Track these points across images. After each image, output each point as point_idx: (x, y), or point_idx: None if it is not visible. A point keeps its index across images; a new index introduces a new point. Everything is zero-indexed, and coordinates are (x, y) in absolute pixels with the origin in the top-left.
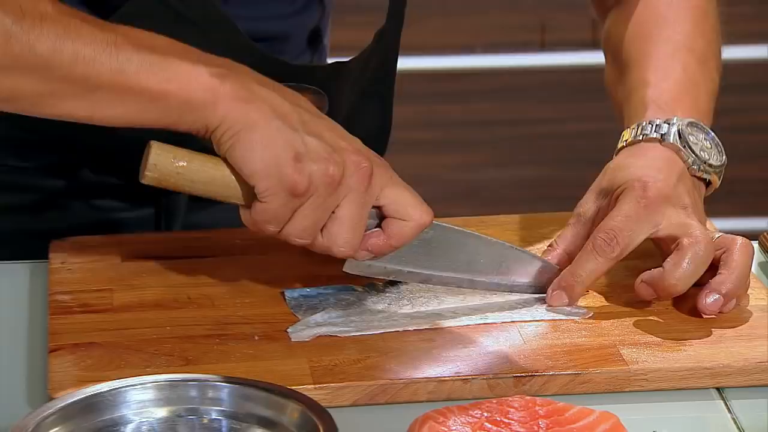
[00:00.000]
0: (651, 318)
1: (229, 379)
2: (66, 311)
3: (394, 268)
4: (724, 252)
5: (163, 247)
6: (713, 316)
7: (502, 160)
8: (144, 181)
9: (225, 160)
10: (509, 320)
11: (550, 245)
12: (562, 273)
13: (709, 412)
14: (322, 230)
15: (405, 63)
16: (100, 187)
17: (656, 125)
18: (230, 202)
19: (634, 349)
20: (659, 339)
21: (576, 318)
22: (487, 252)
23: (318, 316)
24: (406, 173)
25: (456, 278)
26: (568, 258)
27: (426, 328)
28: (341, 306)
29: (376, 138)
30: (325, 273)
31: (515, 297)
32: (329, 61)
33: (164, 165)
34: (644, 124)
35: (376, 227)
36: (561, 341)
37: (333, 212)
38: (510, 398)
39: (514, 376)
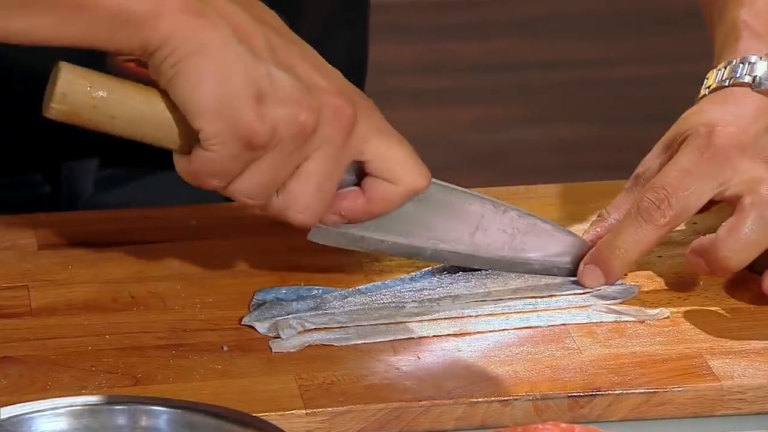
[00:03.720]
0: (747, 318)
1: (169, 402)
2: None
3: (373, 237)
4: None
5: (95, 230)
6: None
7: (532, 116)
8: (49, 115)
9: (161, 91)
10: (559, 323)
11: (599, 215)
12: (598, 243)
13: None
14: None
15: None
16: None
17: (750, 64)
18: (161, 145)
19: (726, 360)
20: (760, 346)
21: (647, 319)
22: (496, 220)
23: (304, 318)
24: (406, 133)
25: (454, 254)
26: None
27: (450, 334)
28: (333, 306)
29: (351, 73)
30: (309, 262)
31: (562, 293)
32: None
33: (77, 95)
34: (735, 62)
35: (354, 185)
36: (629, 350)
37: (297, 167)
38: (541, 425)
39: (569, 397)
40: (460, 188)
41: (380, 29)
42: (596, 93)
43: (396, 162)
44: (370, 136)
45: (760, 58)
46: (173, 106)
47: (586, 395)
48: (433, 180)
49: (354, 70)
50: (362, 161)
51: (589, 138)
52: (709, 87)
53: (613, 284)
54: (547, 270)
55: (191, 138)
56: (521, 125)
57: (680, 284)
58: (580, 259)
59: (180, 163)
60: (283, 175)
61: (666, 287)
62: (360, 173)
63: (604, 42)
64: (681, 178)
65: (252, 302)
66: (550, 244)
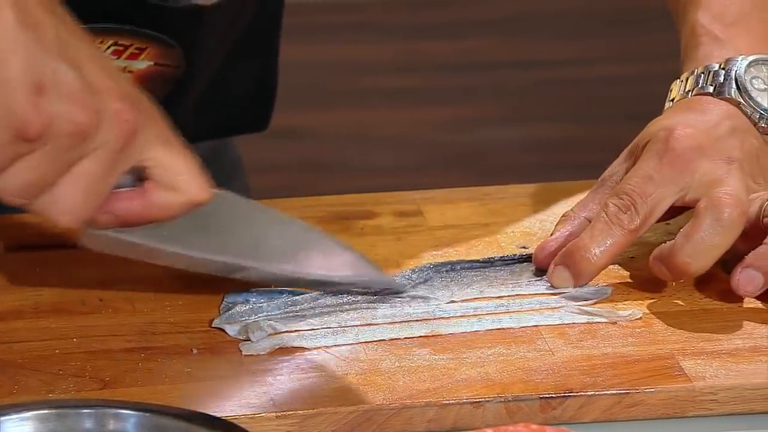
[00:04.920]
0: (719, 319)
1: (137, 406)
2: None
3: (149, 245)
4: None
5: (61, 232)
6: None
7: (508, 116)
8: None
9: None
10: (531, 324)
11: (565, 215)
12: (568, 245)
13: None
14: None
15: None
16: None
17: (712, 72)
18: None
19: (698, 361)
20: (732, 347)
21: (619, 320)
22: (279, 234)
23: (274, 321)
24: (380, 133)
25: (236, 265)
26: None
27: (422, 336)
28: (304, 308)
29: (256, 101)
30: None
31: (532, 291)
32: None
33: None
34: (696, 72)
35: (133, 186)
36: (601, 351)
37: (69, 167)
38: (512, 427)
39: (541, 398)
40: (245, 199)
41: (353, 29)
42: (572, 92)
43: (178, 172)
44: (154, 144)
45: (720, 66)
46: None
47: (558, 397)
48: (218, 191)
49: (258, 99)
50: (144, 167)
51: (565, 138)
52: (672, 99)
53: (582, 286)
54: (326, 285)
55: None
56: (496, 125)
57: (652, 285)
58: (361, 276)
59: None
60: (52, 174)
61: (638, 288)
62: (141, 176)
63: (579, 41)
64: (643, 183)
65: (222, 305)
66: (332, 260)
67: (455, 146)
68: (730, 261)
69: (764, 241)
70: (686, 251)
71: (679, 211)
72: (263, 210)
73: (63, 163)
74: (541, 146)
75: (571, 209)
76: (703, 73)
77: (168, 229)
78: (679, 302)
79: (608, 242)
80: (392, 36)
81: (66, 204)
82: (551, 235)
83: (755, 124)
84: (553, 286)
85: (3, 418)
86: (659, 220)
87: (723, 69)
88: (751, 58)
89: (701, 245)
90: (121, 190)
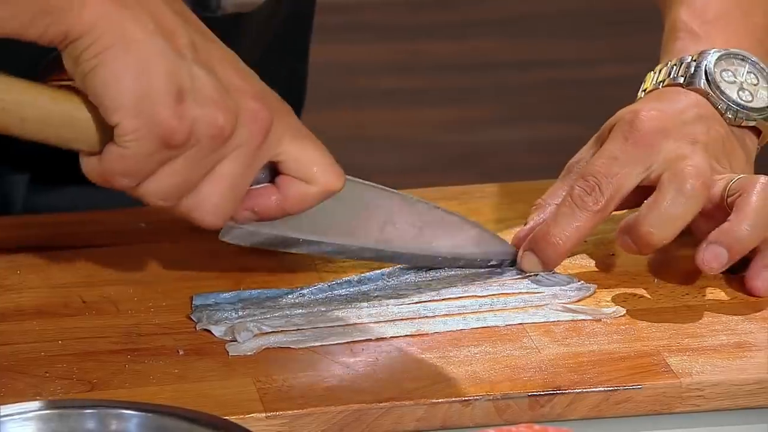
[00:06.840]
0: (704, 315)
1: (139, 406)
2: None
3: (285, 235)
4: (739, 195)
5: (42, 234)
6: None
7: (510, 116)
8: None
9: (71, 90)
10: (516, 322)
11: (536, 203)
12: (534, 231)
13: None
14: None
15: None
16: None
17: (686, 64)
18: (71, 147)
19: (684, 357)
20: (717, 343)
21: (603, 318)
22: (405, 214)
23: (260, 321)
24: (380, 133)
25: (364, 249)
26: None
27: (407, 335)
28: (282, 309)
29: (287, 100)
30: (260, 265)
31: (515, 290)
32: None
33: None
34: (670, 64)
35: (268, 182)
36: (587, 348)
37: (211, 168)
38: (515, 427)
39: (530, 396)
40: (369, 183)
41: (353, 29)
42: (574, 93)
43: (311, 163)
44: (286, 138)
45: (692, 58)
46: (84, 105)
47: (546, 394)
48: (347, 177)
49: (289, 97)
50: (277, 162)
51: (567, 138)
52: (645, 90)
53: (558, 277)
54: (454, 263)
55: (102, 137)
56: (498, 126)
57: (634, 282)
58: (487, 251)
59: (89, 163)
60: (196, 176)
61: (620, 285)
62: (274, 170)
63: (581, 41)
64: (608, 164)
65: (192, 306)
66: (458, 237)
67: (456, 147)
68: (737, 264)
69: (729, 217)
70: (649, 221)
71: (648, 193)
72: (386, 191)
73: (205, 166)
74: (543, 147)
75: (542, 197)
76: (675, 64)
77: (301, 218)
78: (662, 299)
79: (574, 225)
80: (392, 36)
81: (210, 204)
82: (524, 224)
83: (722, 115)
84: (523, 271)
85: (6, 418)
86: (629, 205)
87: (695, 61)
88: (722, 51)
89: (664, 216)
90: (258, 186)
